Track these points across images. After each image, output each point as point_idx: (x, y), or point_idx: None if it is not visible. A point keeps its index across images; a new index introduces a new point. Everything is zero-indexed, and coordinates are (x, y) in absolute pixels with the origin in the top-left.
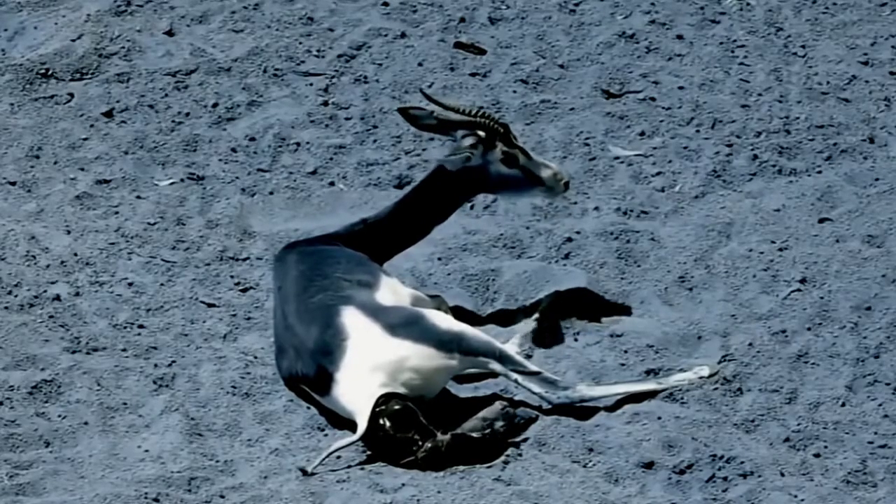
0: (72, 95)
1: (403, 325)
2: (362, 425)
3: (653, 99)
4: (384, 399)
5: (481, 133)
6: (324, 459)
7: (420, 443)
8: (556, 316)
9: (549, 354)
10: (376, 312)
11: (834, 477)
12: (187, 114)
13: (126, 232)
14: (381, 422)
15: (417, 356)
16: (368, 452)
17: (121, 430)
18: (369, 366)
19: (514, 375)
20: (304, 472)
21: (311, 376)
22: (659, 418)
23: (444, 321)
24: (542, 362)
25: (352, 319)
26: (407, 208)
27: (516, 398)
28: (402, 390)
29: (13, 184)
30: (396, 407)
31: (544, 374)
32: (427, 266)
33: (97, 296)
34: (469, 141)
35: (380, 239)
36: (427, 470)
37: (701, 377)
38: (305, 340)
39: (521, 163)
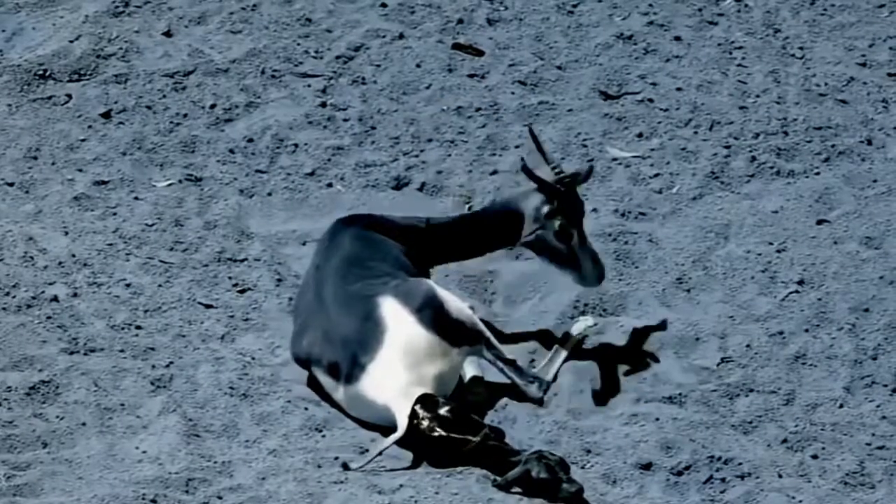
0: (70, 96)
1: (441, 322)
2: (402, 423)
3: (651, 100)
4: (425, 401)
5: (555, 201)
6: (373, 460)
7: (468, 438)
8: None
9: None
10: (415, 308)
11: (832, 478)
12: (185, 115)
13: (124, 233)
14: (428, 424)
15: (451, 353)
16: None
17: (118, 431)
18: (404, 362)
19: (500, 364)
20: (345, 467)
21: (339, 363)
22: (657, 419)
23: (473, 318)
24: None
25: (391, 312)
26: (470, 226)
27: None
28: (431, 387)
29: (11, 185)
30: (445, 410)
31: (517, 363)
32: None
33: (95, 297)
34: (545, 209)
35: (434, 243)
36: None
37: (588, 326)
38: (340, 326)
39: (572, 243)
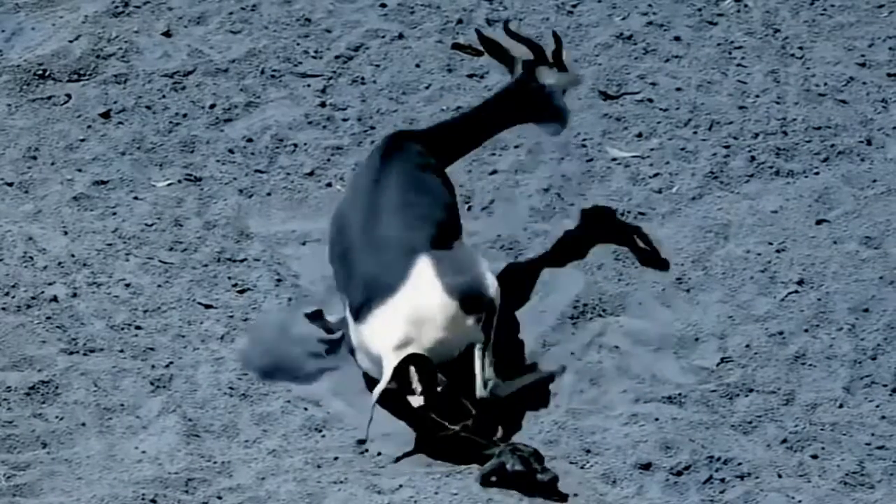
0: (69, 96)
1: (463, 289)
2: (387, 374)
3: (650, 100)
4: (423, 370)
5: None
6: (370, 422)
7: (445, 424)
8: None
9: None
10: (443, 269)
11: (831, 478)
12: (185, 115)
13: (123, 233)
14: (415, 393)
15: (462, 323)
16: (365, 450)
17: (118, 432)
18: (408, 316)
19: (483, 353)
20: (362, 444)
21: (358, 302)
22: (656, 419)
23: (495, 291)
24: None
25: (418, 267)
26: (476, 115)
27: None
28: (428, 349)
29: (10, 185)
30: (439, 389)
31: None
32: None
33: (94, 297)
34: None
35: (453, 138)
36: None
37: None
38: (374, 270)
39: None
